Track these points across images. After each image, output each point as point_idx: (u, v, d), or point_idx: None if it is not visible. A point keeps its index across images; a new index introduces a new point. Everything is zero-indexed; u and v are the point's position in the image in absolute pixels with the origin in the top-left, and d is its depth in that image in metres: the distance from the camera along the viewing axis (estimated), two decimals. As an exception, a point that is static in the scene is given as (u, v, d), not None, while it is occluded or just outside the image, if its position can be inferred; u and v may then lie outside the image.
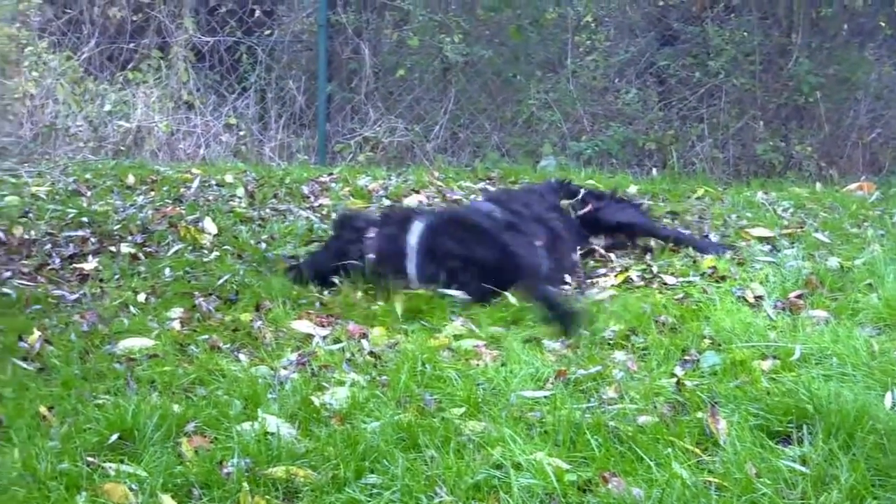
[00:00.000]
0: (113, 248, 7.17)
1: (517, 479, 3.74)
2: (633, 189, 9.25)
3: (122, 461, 3.98)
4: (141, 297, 6.10)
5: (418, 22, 13.33)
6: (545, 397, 4.48)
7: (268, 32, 14.59)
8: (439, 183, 9.53)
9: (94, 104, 13.81)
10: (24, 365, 5.02)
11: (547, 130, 12.65)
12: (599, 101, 13.13)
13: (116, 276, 6.59)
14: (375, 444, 4.01)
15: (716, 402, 4.32)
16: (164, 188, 9.25)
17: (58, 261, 6.94)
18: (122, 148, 13.19)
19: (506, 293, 5.99)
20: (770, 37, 12.48)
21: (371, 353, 5.15)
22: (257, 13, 14.47)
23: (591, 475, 3.78)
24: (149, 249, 7.19)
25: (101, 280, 6.51)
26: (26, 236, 7.48)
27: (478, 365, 4.95)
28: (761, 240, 7.27)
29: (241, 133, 13.54)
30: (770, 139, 11.92)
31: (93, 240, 7.43)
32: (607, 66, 13.21)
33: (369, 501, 3.69)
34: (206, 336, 5.43)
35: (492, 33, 13.55)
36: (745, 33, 12.43)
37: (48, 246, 7.27)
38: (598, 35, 13.80)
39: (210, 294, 6.18)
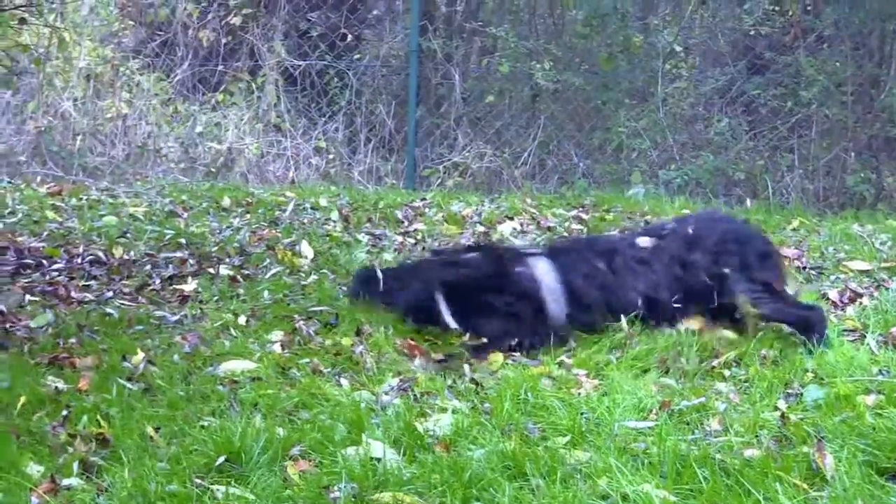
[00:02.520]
0: (212, 270, 7.23)
1: (624, 510, 3.73)
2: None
3: (229, 483, 4.01)
4: (241, 320, 6.13)
5: (509, 48, 13.35)
6: (649, 428, 4.46)
7: (357, 56, 14.69)
8: (532, 210, 9.51)
9: (185, 125, 13.98)
10: (129, 385, 5.06)
11: (636, 158, 12.62)
12: (689, 129, 13.08)
13: (216, 298, 6.63)
14: (481, 472, 4.01)
15: (822, 437, 4.28)
16: (260, 210, 9.32)
17: (158, 281, 7.00)
18: (212, 169, 13.33)
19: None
20: (862, 68, 12.37)
21: (472, 381, 5.15)
22: (349, 38, 14.57)
23: (699, 508, 3.77)
24: (247, 272, 7.23)
25: (200, 302, 6.56)
26: (126, 257, 7.56)
27: (579, 394, 4.95)
28: (860, 273, 7.21)
29: (331, 156, 13.63)
30: (861, 171, 11.80)
31: (191, 261, 7.49)
32: (698, 95, 13.16)
33: (477, 530, 3.71)
34: (308, 360, 5.45)
35: (581, 60, 13.54)
36: (837, 63, 12.33)
37: (147, 267, 7.33)
38: (687, 63, 13.76)
39: (310, 318, 6.21)
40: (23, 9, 7.29)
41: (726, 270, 6.03)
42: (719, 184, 12.15)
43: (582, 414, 4.63)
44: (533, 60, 13.24)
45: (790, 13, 12.81)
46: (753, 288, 5.95)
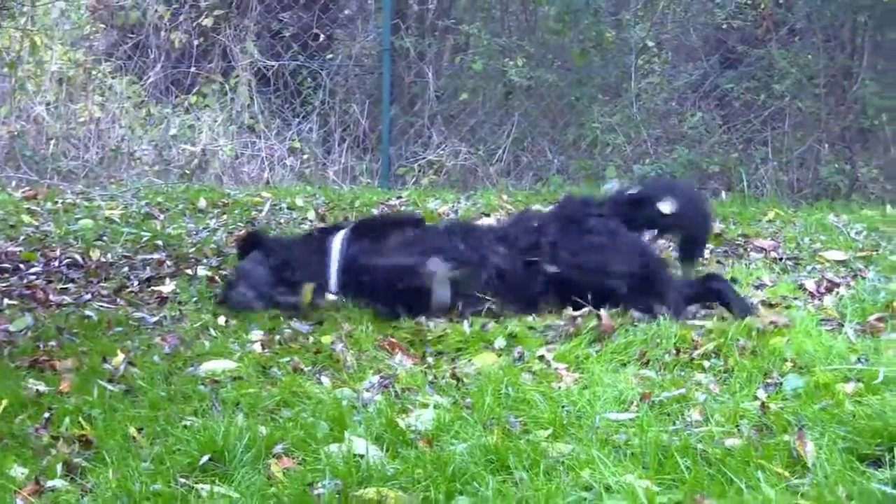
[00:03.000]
0: (189, 271, 7.24)
1: (608, 501, 3.74)
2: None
3: (213, 482, 4.01)
4: (221, 320, 6.15)
5: (482, 46, 13.36)
6: (630, 420, 4.48)
7: (330, 56, 14.69)
8: (509, 206, 9.54)
9: (158, 128, 13.95)
10: (110, 386, 5.06)
11: (610, 154, 12.65)
12: (662, 124, 13.12)
13: (195, 299, 6.65)
14: (464, 466, 4.02)
15: (802, 425, 4.30)
16: (236, 211, 9.33)
17: (136, 283, 7.01)
18: (186, 171, 13.31)
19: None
20: (834, 59, 12.42)
21: (453, 376, 5.17)
22: (321, 38, 14.57)
23: (682, 498, 3.77)
24: (224, 272, 7.23)
25: (179, 303, 6.58)
26: (103, 259, 7.56)
27: (559, 387, 4.96)
28: (836, 263, 7.26)
29: (305, 156, 13.63)
30: (835, 162, 11.87)
31: (169, 263, 7.50)
32: (671, 89, 13.20)
33: (461, 524, 3.72)
34: (288, 358, 5.46)
35: (554, 56, 13.56)
36: (810, 56, 12.39)
37: (125, 269, 7.35)
38: (660, 58, 13.81)
39: (291, 317, 6.23)
40: (-5, 11, 7.27)
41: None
42: (694, 177, 12.17)
43: (563, 407, 4.64)
44: (506, 57, 13.25)
45: (762, 6, 12.84)
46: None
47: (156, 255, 7.71)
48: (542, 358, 5.44)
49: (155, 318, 6.23)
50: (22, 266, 7.35)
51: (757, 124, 12.48)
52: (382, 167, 12.78)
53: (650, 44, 13.47)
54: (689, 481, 3.87)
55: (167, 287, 6.86)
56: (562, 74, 13.22)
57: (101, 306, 6.46)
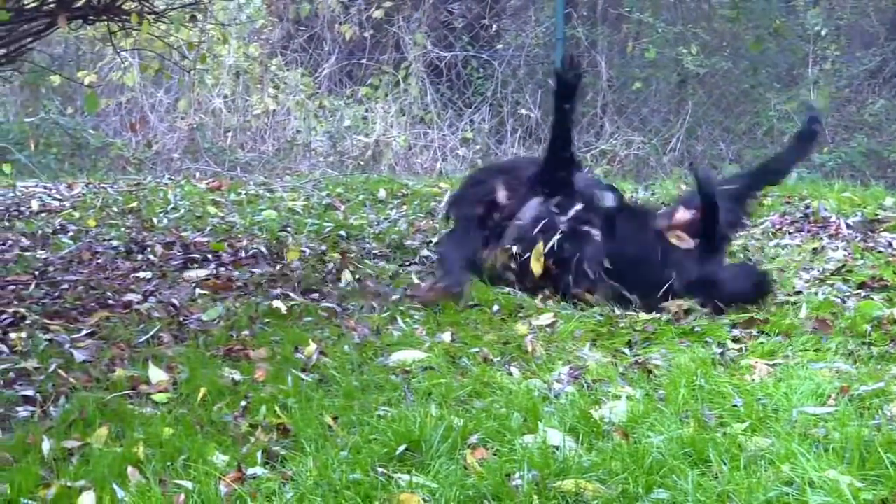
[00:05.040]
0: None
1: (812, 496, 3.68)
2: (889, 201, 9.01)
3: (411, 472, 4.04)
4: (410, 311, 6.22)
5: (655, 34, 13.27)
6: (829, 414, 4.41)
7: (500, 46, 14.73)
8: (687, 196, 9.45)
9: (332, 119, 14.13)
10: (304, 376, 5.13)
11: (786, 142, 12.46)
12: (841, 111, 12.89)
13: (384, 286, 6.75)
14: (661, 459, 4.00)
15: None
16: (415, 202, 9.41)
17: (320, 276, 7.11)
18: (360, 162, 13.46)
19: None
20: None
21: (645, 368, 5.14)
22: (492, 28, 14.61)
23: (887, 495, 3.70)
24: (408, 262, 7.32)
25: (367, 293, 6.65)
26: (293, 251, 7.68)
27: (753, 380, 4.91)
28: None
29: (478, 147, 13.68)
30: None
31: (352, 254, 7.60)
32: (849, 76, 12.95)
33: (663, 517, 3.70)
34: (477, 349, 5.49)
35: (728, 44, 13.41)
36: None
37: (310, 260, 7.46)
38: (838, 43, 13.55)
39: (476, 306, 6.27)
40: (191, 7, 7.44)
41: None
42: (874, 165, 11.95)
43: (758, 400, 4.59)
44: (679, 45, 13.14)
45: (944, -11, 12.55)
46: None
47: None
48: (734, 349, 5.40)
49: (343, 308, 6.30)
50: (210, 256, 7.49)
51: (942, 111, 12.20)
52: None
53: (825, 31, 13.22)
54: (894, 477, 3.79)
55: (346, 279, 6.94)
56: (736, 62, 13.07)
57: (289, 297, 6.56)
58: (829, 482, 3.75)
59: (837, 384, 4.74)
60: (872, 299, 6.12)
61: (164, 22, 7.42)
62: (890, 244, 7.49)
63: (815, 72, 12.90)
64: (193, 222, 8.66)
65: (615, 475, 3.92)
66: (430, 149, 13.74)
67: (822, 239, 7.78)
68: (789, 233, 8.07)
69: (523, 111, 13.88)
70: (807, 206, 8.67)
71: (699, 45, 13.10)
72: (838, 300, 6.12)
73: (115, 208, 9.34)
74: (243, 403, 4.77)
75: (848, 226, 7.97)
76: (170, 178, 11.43)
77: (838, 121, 12.74)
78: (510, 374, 5.15)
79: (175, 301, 6.29)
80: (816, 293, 6.37)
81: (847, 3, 13.48)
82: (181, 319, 6.02)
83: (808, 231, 8.05)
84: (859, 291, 6.38)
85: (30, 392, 4.88)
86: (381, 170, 13.15)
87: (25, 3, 6.60)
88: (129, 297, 6.44)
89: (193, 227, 8.48)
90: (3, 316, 5.97)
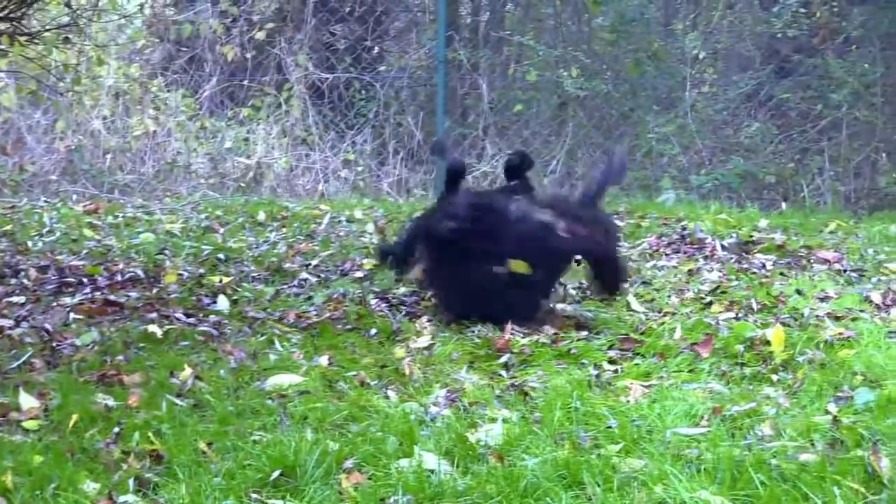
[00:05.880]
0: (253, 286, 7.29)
1: (683, 517, 3.73)
2: (763, 223, 9.18)
3: (284, 498, 4.01)
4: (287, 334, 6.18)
5: (536, 57, 13.38)
6: (702, 434, 4.46)
7: (383, 68, 14.74)
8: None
9: (213, 141, 14.03)
10: (179, 401, 5.07)
11: (666, 164, 12.63)
12: (718, 134, 13.09)
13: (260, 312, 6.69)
14: (537, 482, 4.01)
15: (877, 440, 4.27)
16: (295, 224, 9.37)
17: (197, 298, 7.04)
18: (242, 184, 13.37)
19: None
20: (891, 68, 12.36)
21: (521, 390, 5.16)
22: (374, 50, 14.62)
23: (757, 514, 3.76)
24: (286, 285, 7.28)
25: (244, 317, 6.59)
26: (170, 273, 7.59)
27: (628, 401, 4.95)
28: (902, 274, 7.23)
29: (360, 169, 13.66)
30: (893, 171, 11.80)
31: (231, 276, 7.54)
32: (726, 100, 13.16)
33: (536, 539, 3.71)
34: (354, 372, 5.47)
35: (608, 67, 13.56)
36: (866, 65, 12.33)
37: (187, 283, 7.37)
38: (714, 68, 13.78)
39: (353, 329, 6.26)
40: (65, 29, 7.33)
41: None
42: (749, 187, 12.14)
43: (633, 421, 4.63)
44: (560, 68, 13.26)
45: (817, 15, 12.79)
46: None
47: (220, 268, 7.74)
48: (609, 371, 5.45)
49: (219, 332, 6.24)
50: (85, 280, 7.37)
51: (813, 134, 12.45)
52: (437, 179, 12.78)
53: (701, 55, 13.43)
54: (763, 498, 3.84)
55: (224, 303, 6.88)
56: (616, 85, 13.22)
57: (166, 320, 6.48)
58: (700, 502, 3.79)
59: (710, 405, 4.80)
60: (746, 320, 6.21)
61: (37, 43, 7.31)
62: (763, 265, 7.62)
63: (693, 95, 13.09)
64: (69, 246, 8.53)
65: (490, 498, 3.93)
66: (311, 170, 13.69)
67: (697, 260, 7.88)
68: (666, 254, 8.16)
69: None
70: (683, 228, 8.79)
71: (579, 67, 13.22)
72: (712, 321, 6.19)
73: (-12, 232, 9.18)
74: (116, 430, 4.69)
75: (723, 247, 8.10)
76: (46, 201, 11.25)
77: (715, 143, 12.93)
78: (387, 397, 5.14)
79: (48, 326, 6.18)
80: (690, 314, 6.45)
81: (724, 28, 13.67)
82: (54, 345, 5.91)
83: (685, 252, 8.15)
84: (732, 312, 6.46)
85: None
86: (262, 192, 13.07)
87: None
88: (1, 322, 6.31)
89: (69, 250, 8.35)
90: None
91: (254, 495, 4.02)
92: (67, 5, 7.40)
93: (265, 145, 13.88)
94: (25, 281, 7.42)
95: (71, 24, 7.53)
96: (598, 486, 3.99)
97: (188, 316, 6.56)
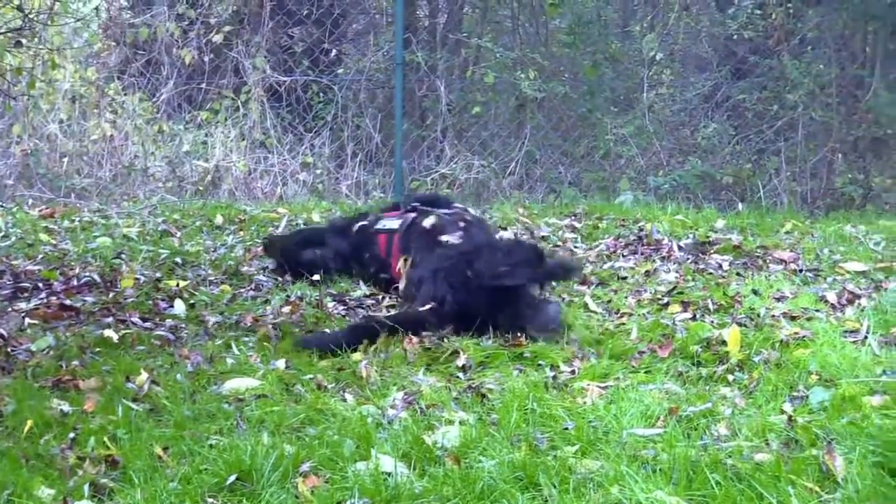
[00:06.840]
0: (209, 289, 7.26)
1: (639, 517, 3.74)
2: (720, 224, 9.22)
3: (241, 502, 4.01)
4: (244, 338, 6.16)
5: (493, 59, 13.39)
6: (658, 435, 4.47)
7: (341, 71, 14.72)
8: (525, 219, 9.54)
9: (171, 144, 13.96)
10: (135, 406, 5.04)
11: (623, 165, 12.67)
12: (675, 135, 13.14)
13: (217, 315, 6.66)
14: (493, 484, 4.02)
15: (831, 439, 4.29)
16: (253, 227, 9.34)
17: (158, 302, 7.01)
18: (200, 188, 13.31)
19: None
20: (846, 69, 12.45)
21: (478, 392, 5.16)
22: (332, 53, 14.60)
23: (713, 513, 3.78)
24: (244, 289, 7.26)
25: (202, 320, 6.57)
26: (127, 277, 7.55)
27: (585, 403, 4.96)
28: (857, 274, 7.26)
29: (318, 171, 13.62)
30: (848, 172, 11.88)
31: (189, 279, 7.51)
32: (683, 101, 13.22)
33: (493, 541, 3.71)
34: (311, 375, 5.46)
35: (566, 69, 13.58)
36: (822, 66, 12.41)
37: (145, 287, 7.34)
38: (671, 69, 13.84)
39: (311, 331, 6.25)
40: (17, 32, 7.28)
41: None
42: (707, 188, 12.19)
43: (589, 423, 4.64)
44: (518, 70, 13.27)
45: (773, 17, 12.86)
46: None
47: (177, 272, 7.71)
48: (566, 372, 5.45)
49: (177, 336, 6.21)
50: (41, 285, 7.32)
51: (770, 135, 12.51)
52: (395, 181, 12.77)
53: (659, 56, 13.49)
54: (719, 497, 3.86)
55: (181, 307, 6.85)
56: (574, 87, 13.25)
57: (122, 324, 6.45)
58: (656, 503, 3.80)
59: (667, 405, 4.82)
60: (703, 321, 6.24)
61: (-13, 47, 7.26)
62: (720, 266, 7.66)
63: (651, 96, 13.14)
64: (25, 250, 8.46)
65: (447, 500, 3.94)
66: (270, 173, 13.63)
67: (654, 261, 7.91)
68: (623, 255, 8.18)
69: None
70: (640, 229, 8.82)
71: (537, 69, 13.24)
72: (669, 322, 6.21)
73: (-58, 237, 9.10)
74: (71, 435, 4.66)
75: (680, 248, 8.13)
76: (1, 206, 11.17)
77: (673, 144, 12.99)
78: (344, 400, 5.14)
79: (3, 331, 6.12)
80: (647, 315, 6.48)
81: (681, 30, 13.73)
82: (9, 350, 5.86)
83: (642, 254, 8.18)
84: (688, 313, 6.49)
85: None
86: (220, 195, 13.01)
87: None
88: (-44, 327, 6.27)
89: (25, 255, 8.28)
90: None
91: (210, 500, 4.01)
92: (19, 9, 7.33)
93: (223, 148, 13.81)
94: (-20, 286, 7.37)
95: (24, 27, 7.46)
96: (555, 487, 4.00)
97: (144, 320, 6.52)
